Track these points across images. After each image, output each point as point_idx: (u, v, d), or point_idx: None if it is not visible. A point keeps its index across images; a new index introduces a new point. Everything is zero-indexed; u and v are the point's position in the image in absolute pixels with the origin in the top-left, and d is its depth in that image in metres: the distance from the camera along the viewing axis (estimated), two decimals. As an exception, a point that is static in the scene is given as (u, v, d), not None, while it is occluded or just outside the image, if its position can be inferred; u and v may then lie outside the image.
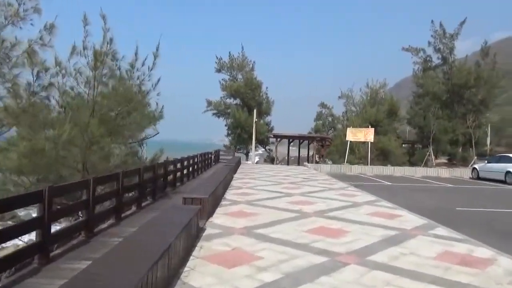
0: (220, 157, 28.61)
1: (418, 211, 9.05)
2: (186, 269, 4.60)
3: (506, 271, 4.75)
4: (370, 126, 27.25)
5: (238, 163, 23.11)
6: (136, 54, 10.68)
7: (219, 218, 7.58)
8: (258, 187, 12.69)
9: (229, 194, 10.83)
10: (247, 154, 36.37)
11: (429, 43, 32.77)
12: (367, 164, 25.17)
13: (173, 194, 10.94)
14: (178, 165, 13.43)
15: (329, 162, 25.36)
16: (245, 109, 35.15)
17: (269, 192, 11.57)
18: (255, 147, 35.79)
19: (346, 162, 25.27)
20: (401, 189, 15.16)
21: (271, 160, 37.96)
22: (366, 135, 25.63)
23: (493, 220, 9.01)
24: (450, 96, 33.09)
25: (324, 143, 36.09)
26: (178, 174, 13.42)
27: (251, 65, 36.74)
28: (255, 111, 30.49)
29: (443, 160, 41.01)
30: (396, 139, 32.29)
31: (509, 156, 18.65)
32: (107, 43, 9.54)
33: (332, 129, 48.14)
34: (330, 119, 47.86)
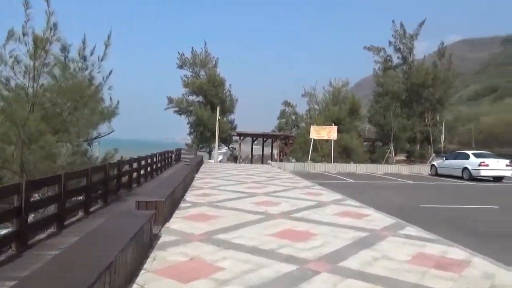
0: (182, 156, 27.67)
1: (385, 209, 8.81)
2: (134, 286, 3.94)
3: (484, 274, 4.47)
4: (333, 124, 27.34)
5: (200, 162, 22.34)
6: (84, 42, 9.71)
7: (177, 222, 6.92)
8: (221, 187, 12.09)
9: (190, 196, 10.16)
10: (210, 153, 35.56)
11: (390, 43, 33.54)
12: (331, 162, 25.20)
13: (128, 196, 10.09)
14: (135, 165, 12.54)
15: (292, 160, 25.16)
16: (208, 107, 34.31)
17: (232, 192, 11.00)
18: (218, 146, 35.08)
19: (310, 160, 25.16)
20: (365, 187, 15.10)
21: (234, 158, 37.41)
22: (330, 133, 25.67)
23: (459, 217, 8.94)
24: (409, 95, 34.00)
25: (287, 141, 36.01)
26: (135, 174, 12.53)
27: (214, 62, 35.93)
28: (218, 108, 29.79)
29: (402, 157, 42.23)
30: (358, 137, 32.73)
31: (466, 153, 19.21)
32: (51, 29, 8.54)
33: (296, 127, 48.30)
34: (293, 117, 47.99)
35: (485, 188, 15.62)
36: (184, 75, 35.07)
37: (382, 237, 6.04)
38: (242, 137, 34.18)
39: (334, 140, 25.85)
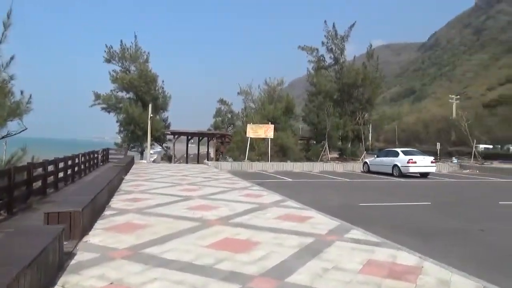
0: (110, 156, 25.70)
1: (326, 210, 8.53)
2: (29, 331, 2.99)
3: (438, 280, 4.18)
4: (270, 123, 27.21)
5: (130, 163, 20.80)
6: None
7: (98, 235, 5.91)
8: (152, 191, 11.05)
9: (116, 201, 9.04)
10: (142, 153, 33.66)
11: (323, 43, 34.34)
12: (268, 161, 25.01)
13: (40, 205, 8.69)
14: (50, 168, 10.99)
15: (229, 160, 24.55)
16: (139, 104, 32.37)
17: (165, 196, 10.05)
18: (151, 145, 33.33)
19: (247, 159, 24.75)
20: (303, 186, 14.95)
21: (168, 158, 35.87)
22: (266, 131, 25.47)
23: (397, 216, 8.96)
24: (341, 95, 35.15)
25: (224, 140, 35.32)
26: (51, 178, 11.00)
27: (145, 56, 33.98)
28: (150, 106, 28.15)
29: (334, 155, 43.74)
30: (293, 136, 33.07)
31: (395, 151, 20.07)
32: None
33: (232, 126, 47.81)
34: (229, 115, 47.42)
35: (414, 184, 16.32)
36: (113, 70, 32.76)
37: (329, 243, 5.61)
38: (176, 136, 32.78)
39: (270, 139, 25.70)
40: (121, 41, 32.71)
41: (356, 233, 6.34)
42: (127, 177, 15.10)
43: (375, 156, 21.85)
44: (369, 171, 21.39)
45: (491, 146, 55.98)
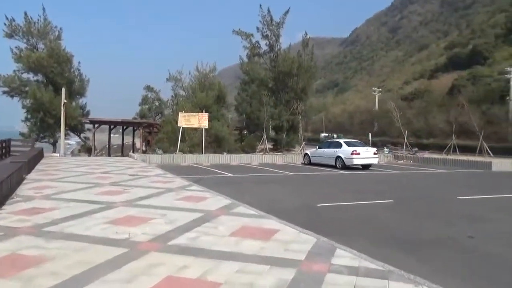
0: (13, 149, 21.57)
1: (287, 216, 6.95)
2: None
3: None
4: (204, 111, 25.06)
5: (37, 157, 17.38)
6: None
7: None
8: (62, 195, 8.52)
9: (5, 214, 6.50)
10: (54, 145, 29.35)
11: (258, 29, 32.78)
12: (202, 153, 22.95)
13: None
14: None
15: (159, 152, 22.01)
16: (50, 88, 27.99)
17: (78, 203, 7.65)
18: (66, 136, 29.22)
19: (179, 151, 22.43)
20: (248, 182, 13.26)
21: (87, 150, 31.91)
22: (200, 120, 23.33)
23: (366, 219, 7.65)
24: (276, 84, 34.04)
25: (152, 130, 32.28)
26: None
27: (57, 33, 29.37)
28: (63, 90, 24.24)
29: (269, 145, 42.86)
30: (228, 125, 31.29)
31: (338, 142, 19.30)
32: None
33: (160, 114, 44.51)
34: (157, 103, 44.05)
35: (363, 178, 15.55)
36: (16, 47, 27.75)
37: (319, 278, 3.95)
38: (96, 125, 29.02)
39: (205, 129, 23.62)
40: (25, 14, 27.79)
41: (345, 255, 4.76)
42: (31, 175, 12.11)
43: (316, 147, 20.95)
44: (310, 163, 20.46)
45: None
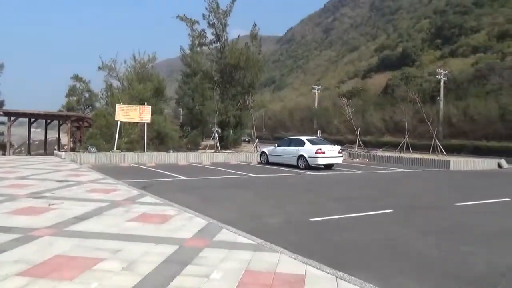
0: None
1: (277, 238, 5.25)
2: None
3: None
4: (146, 104, 22.13)
5: None
6: None
7: None
8: (-51, 219, 5.71)
9: None
10: (-43, 140, 24.33)
11: (204, 16, 30.21)
12: (144, 151, 20.12)
13: None
14: None
15: (92, 150, 18.78)
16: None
17: (-25, 234, 4.98)
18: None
19: (116, 149, 19.38)
20: (209, 187, 11.06)
21: (1, 148, 27.11)
22: (142, 114, 20.43)
23: (389, 243, 5.97)
24: (223, 76, 31.84)
25: (81, 124, 28.33)
26: None
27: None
28: (-32, 74, 19.80)
29: (211, 142, 40.49)
30: (172, 120, 28.50)
31: (300, 140, 17.73)
32: None
33: (90, 107, 40.00)
34: (87, 95, 39.47)
35: (334, 180, 14.12)
36: None
37: None
38: (13, 118, 24.49)
39: (147, 123, 20.76)
40: None
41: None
42: None
43: (275, 145, 19.21)
44: (268, 163, 18.70)
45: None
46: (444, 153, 22.06)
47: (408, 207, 8.91)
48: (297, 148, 17.06)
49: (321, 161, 16.39)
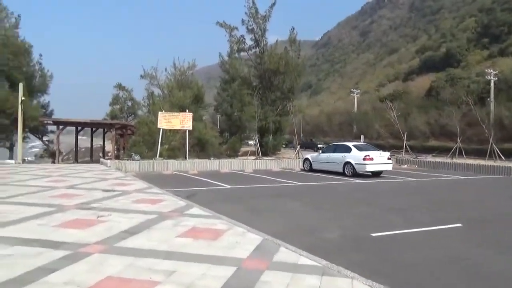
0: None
1: (337, 256, 4.58)
2: None
3: None
4: (187, 111, 22.18)
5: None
6: None
7: None
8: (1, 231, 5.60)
9: None
10: (11, 149, 25.56)
11: (243, 21, 30.11)
12: (185, 158, 20.08)
13: None
14: None
15: (136, 158, 18.95)
16: (5, 84, 24.28)
17: (23, 248, 4.79)
18: (25, 138, 25.53)
19: (159, 157, 19.47)
20: (255, 197, 10.60)
21: (51, 155, 28.21)
22: (183, 121, 20.43)
23: (471, 268, 5.23)
24: (262, 82, 31.53)
25: (124, 132, 28.95)
26: None
27: (14, 20, 25.57)
28: (21, 85, 20.72)
29: (253, 149, 40.21)
30: (212, 127, 28.52)
31: (346, 146, 16.97)
32: None
33: (133, 115, 41.03)
34: (129, 103, 40.55)
35: (386, 188, 13.32)
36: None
37: None
38: (61, 127, 25.43)
39: (189, 131, 20.75)
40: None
41: None
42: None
43: (319, 151, 18.51)
44: (311, 170, 18.05)
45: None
46: (503, 158, 20.38)
47: (477, 220, 8.02)
48: (343, 154, 16.30)
49: (370, 168, 15.53)
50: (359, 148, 16.32)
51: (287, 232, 6.47)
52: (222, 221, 6.62)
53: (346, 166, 15.90)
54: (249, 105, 36.31)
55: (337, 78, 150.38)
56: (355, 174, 15.63)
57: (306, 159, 18.79)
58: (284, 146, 44.11)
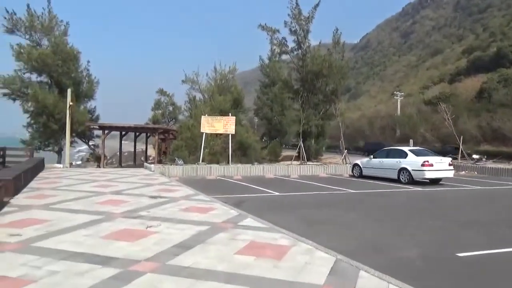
0: (9, 159, 18.46)
1: (427, 284, 3.60)
2: None
3: None
4: (230, 115, 21.76)
5: (35, 170, 14.19)
6: None
7: None
8: (49, 242, 5.20)
9: None
10: (60, 153, 26.25)
11: (285, 23, 29.37)
12: (228, 163, 19.61)
13: None
14: None
15: (180, 162, 18.69)
16: (55, 89, 24.98)
17: (72, 265, 4.31)
18: (72, 143, 26.16)
19: (202, 162, 19.11)
20: (308, 206, 9.79)
21: (96, 159, 28.74)
22: (226, 125, 20.01)
23: None
24: (304, 85, 30.62)
25: (166, 137, 29.03)
26: None
27: (63, 28, 26.31)
28: (69, 91, 21.17)
29: (290, 153, 39.33)
30: (254, 131, 28.01)
31: (401, 150, 15.76)
32: None
33: (173, 120, 41.39)
34: (171, 108, 40.93)
35: (451, 197, 12.07)
36: (18, 44, 24.73)
37: None
38: (106, 131, 25.85)
39: (232, 135, 20.28)
40: (28, 6, 24.80)
41: None
42: (19, 198, 8.90)
43: (370, 156, 17.40)
44: (361, 176, 16.97)
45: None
46: None
47: None
48: (397, 160, 15.12)
49: (429, 175, 14.25)
50: (416, 153, 15.07)
51: (356, 249, 5.66)
52: (282, 235, 5.90)
53: (402, 172, 14.71)
54: (290, 108, 35.56)
55: (377, 81, 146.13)
56: (411, 182, 14.42)
57: (356, 164, 17.70)
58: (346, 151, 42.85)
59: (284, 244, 5.35)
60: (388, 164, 15.52)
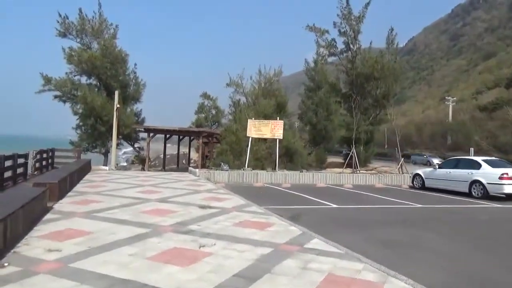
0: (57, 160, 18.58)
1: None
2: None
3: None
4: (277, 119, 20.79)
5: (82, 172, 13.94)
6: None
7: None
8: (87, 263, 4.42)
9: None
10: (106, 155, 26.48)
11: (335, 24, 28.09)
12: (275, 169, 18.61)
13: None
14: None
15: (225, 168, 17.94)
16: (103, 91, 25.24)
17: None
18: (118, 145, 26.27)
19: (248, 167, 18.25)
20: (375, 224, 8.52)
21: (141, 161, 28.82)
22: (274, 129, 19.03)
23: None
24: (352, 88, 29.12)
25: (210, 140, 28.55)
26: None
27: (112, 30, 26.63)
28: (117, 93, 21.14)
29: (335, 159, 37.70)
30: (301, 136, 26.88)
31: (474, 161, 14.02)
32: None
33: (216, 123, 41.09)
34: (213, 112, 40.64)
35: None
36: (69, 47, 25.29)
37: None
38: (151, 134, 25.77)
39: (279, 140, 19.27)
40: (80, 10, 25.34)
41: None
42: (63, 203, 8.41)
43: (435, 166, 15.74)
44: (423, 187, 15.37)
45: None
46: None
47: None
48: (469, 171, 13.42)
49: (509, 189, 12.46)
50: (491, 163, 13.30)
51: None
52: (364, 265, 4.78)
53: (474, 185, 13.01)
54: (337, 113, 34.03)
55: (424, 86, 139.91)
56: (486, 196, 12.69)
57: (417, 174, 16.07)
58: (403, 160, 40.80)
59: (373, 281, 4.23)
60: (457, 175, 13.83)
